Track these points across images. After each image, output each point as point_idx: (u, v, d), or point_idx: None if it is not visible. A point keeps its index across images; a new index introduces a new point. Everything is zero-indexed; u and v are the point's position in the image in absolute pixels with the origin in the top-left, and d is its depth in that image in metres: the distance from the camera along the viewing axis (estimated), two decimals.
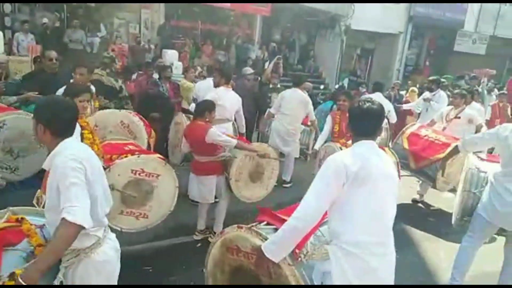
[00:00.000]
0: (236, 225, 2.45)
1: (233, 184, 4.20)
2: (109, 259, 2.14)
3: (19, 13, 10.15)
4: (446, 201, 5.75)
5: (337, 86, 12.37)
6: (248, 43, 12.81)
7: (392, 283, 2.24)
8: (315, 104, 8.78)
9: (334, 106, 7.76)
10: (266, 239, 2.25)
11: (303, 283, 2.16)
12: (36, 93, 4.23)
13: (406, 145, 5.45)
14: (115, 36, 11.03)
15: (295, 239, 2.12)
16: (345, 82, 14.19)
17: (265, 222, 2.53)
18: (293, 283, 2.15)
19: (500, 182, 3.35)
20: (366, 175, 2.09)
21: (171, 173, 3.62)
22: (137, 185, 3.42)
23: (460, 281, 3.63)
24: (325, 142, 5.39)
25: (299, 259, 2.17)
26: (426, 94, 7.52)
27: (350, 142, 5.23)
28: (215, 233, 4.20)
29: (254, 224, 2.53)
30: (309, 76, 13.44)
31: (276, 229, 2.38)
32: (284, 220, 2.39)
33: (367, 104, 2.26)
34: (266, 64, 11.95)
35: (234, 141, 4.02)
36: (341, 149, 4.84)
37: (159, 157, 3.62)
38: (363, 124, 2.28)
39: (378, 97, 6.91)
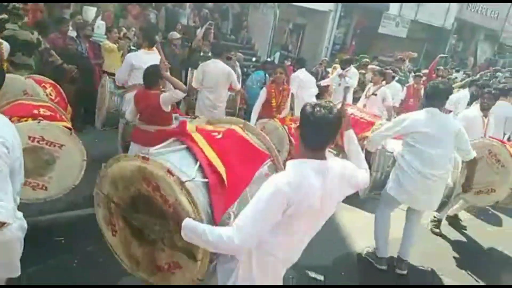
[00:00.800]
0: (167, 168, 2.11)
1: None
2: (14, 239, 1.99)
3: None
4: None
5: (267, 59, 12.40)
6: (178, 8, 12.23)
7: None
8: (247, 75, 8.76)
9: (267, 76, 7.81)
10: (193, 202, 2.04)
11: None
12: None
13: None
14: None
15: (216, 250, 1.97)
16: (277, 56, 14.26)
17: (198, 164, 2.26)
18: (200, 250, 2.08)
19: (406, 160, 3.60)
20: (306, 208, 1.91)
21: (77, 144, 3.33)
22: (34, 153, 3.11)
23: (383, 253, 3.90)
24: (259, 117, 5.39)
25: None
26: (339, 70, 7.91)
27: (282, 115, 5.38)
28: None
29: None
30: (241, 47, 13.27)
31: (207, 183, 2.20)
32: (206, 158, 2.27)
33: (323, 112, 1.89)
34: (198, 30, 11.59)
35: (177, 91, 3.77)
36: (284, 127, 4.91)
37: (65, 126, 3.31)
38: (314, 135, 1.94)
39: (302, 72, 7.08)
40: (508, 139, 7.54)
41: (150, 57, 4.58)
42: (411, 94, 8.38)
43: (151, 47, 4.85)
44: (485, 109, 4.92)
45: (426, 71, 10.32)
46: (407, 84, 8.99)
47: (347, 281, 3.78)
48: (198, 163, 2.28)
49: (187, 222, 1.98)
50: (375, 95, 6.33)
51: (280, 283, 2.24)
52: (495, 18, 21.59)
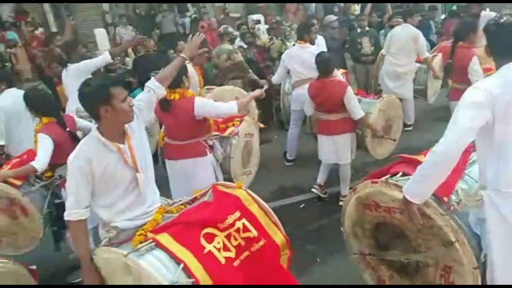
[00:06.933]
0: (369, 181, 2.14)
1: (369, 142, 3.94)
2: None
3: (116, 8, 10.88)
4: None
5: None
6: None
7: None
8: None
9: None
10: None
11: (460, 233, 1.89)
12: None
13: None
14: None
15: (438, 175, 1.81)
16: None
17: (400, 173, 2.19)
18: (450, 233, 1.88)
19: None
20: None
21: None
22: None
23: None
24: None
25: (452, 207, 1.91)
26: None
27: None
28: (344, 196, 3.79)
29: (388, 176, 2.20)
30: None
31: None
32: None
33: None
34: None
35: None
36: None
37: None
38: None
39: None
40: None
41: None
42: None
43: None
44: None
45: None
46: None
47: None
48: (400, 173, 2.24)
49: (404, 188, 1.91)
50: None
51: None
52: None
